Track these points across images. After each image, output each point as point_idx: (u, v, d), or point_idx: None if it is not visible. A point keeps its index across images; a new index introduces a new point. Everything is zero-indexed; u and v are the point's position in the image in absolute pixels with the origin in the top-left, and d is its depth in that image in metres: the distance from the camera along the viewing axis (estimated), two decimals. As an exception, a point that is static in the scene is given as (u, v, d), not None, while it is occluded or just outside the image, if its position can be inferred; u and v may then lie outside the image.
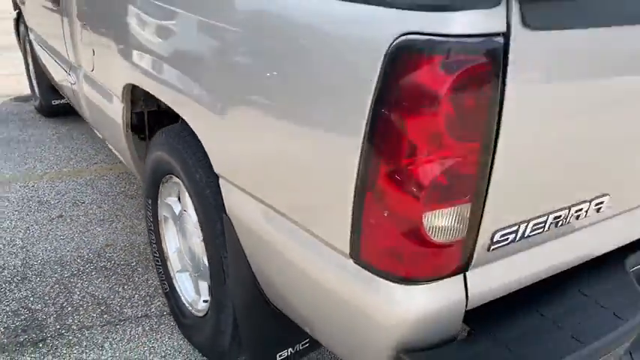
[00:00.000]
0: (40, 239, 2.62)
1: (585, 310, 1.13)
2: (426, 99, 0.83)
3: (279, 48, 1.12)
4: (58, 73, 3.11)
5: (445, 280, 0.99)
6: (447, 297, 1.00)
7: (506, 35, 0.83)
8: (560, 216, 1.07)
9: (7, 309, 2.15)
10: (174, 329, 2.06)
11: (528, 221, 1.02)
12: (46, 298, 2.22)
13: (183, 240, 1.94)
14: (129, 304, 2.20)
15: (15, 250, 2.53)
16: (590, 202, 1.11)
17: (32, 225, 2.75)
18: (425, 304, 0.98)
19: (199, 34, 1.41)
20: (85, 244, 2.59)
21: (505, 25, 0.82)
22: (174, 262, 2.03)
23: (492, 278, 1.04)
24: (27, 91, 4.56)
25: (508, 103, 0.86)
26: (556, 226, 1.07)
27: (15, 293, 2.25)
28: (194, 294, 1.93)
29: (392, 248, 0.95)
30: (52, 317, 2.12)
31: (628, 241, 1.27)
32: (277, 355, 1.56)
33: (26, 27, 3.91)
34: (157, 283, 2.30)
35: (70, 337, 2.02)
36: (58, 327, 2.07)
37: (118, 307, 2.18)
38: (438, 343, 1.02)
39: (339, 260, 1.06)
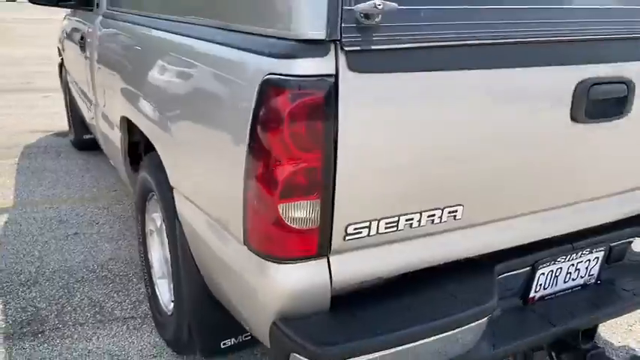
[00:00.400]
0: (55, 251, 3.01)
1: (440, 300, 1.39)
2: (278, 120, 1.15)
3: (195, 90, 1.52)
4: (85, 110, 3.59)
5: (311, 261, 1.28)
6: (313, 275, 1.28)
7: (336, 76, 1.14)
8: (412, 219, 1.34)
9: (17, 306, 2.52)
10: (154, 329, 2.37)
11: (380, 220, 1.30)
12: (51, 299, 2.58)
13: (162, 250, 2.27)
14: (119, 307, 2.53)
15: (32, 260, 2.92)
16: (442, 209, 1.38)
17: (50, 240, 3.15)
18: (295, 280, 1.27)
19: (157, 80, 1.81)
20: (92, 257, 2.96)
21: (334, 69, 1.14)
22: (156, 270, 2.35)
23: (353, 264, 1.32)
24: (66, 128, 5.10)
25: (343, 125, 1.17)
26: (410, 227, 1.35)
27: (26, 294, 2.61)
28: (168, 296, 2.25)
29: (264, 233, 1.26)
30: (52, 314, 2.46)
31: (491, 250, 1.53)
32: (221, 344, 1.85)
33: (66, 71, 4.46)
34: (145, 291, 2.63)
35: (65, 331, 2.35)
36: (57, 322, 2.41)
37: (109, 309, 2.51)
38: (309, 315, 1.30)
39: (239, 247, 1.36)
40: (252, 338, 1.88)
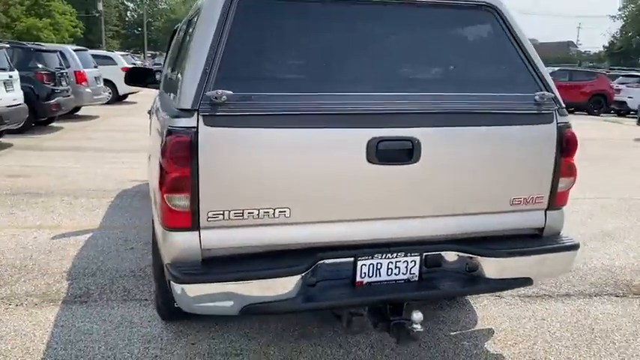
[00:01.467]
0: (113, 258, 4.22)
1: (270, 264, 2.30)
2: (166, 149, 2.20)
3: (154, 132, 2.64)
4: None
5: (188, 232, 2.26)
6: (190, 240, 2.26)
7: (197, 127, 2.18)
8: (252, 213, 2.29)
9: (76, 286, 3.70)
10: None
11: (230, 211, 2.26)
12: (99, 285, 3.74)
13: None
14: (141, 294, 3.63)
15: (96, 262, 4.14)
16: (274, 209, 2.31)
17: (113, 250, 4.38)
18: (179, 241, 2.26)
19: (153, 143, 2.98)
20: (137, 264, 4.12)
21: (196, 124, 2.18)
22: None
23: (214, 236, 2.27)
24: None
25: (201, 154, 2.18)
26: (252, 218, 2.29)
27: (84, 280, 3.80)
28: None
29: (163, 214, 2.28)
30: (96, 293, 3.61)
31: (315, 241, 2.39)
32: (174, 304, 2.84)
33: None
34: (160, 284, 3.70)
35: (100, 302, 3.48)
36: (97, 298, 3.55)
37: (134, 294, 3.61)
38: (186, 263, 2.28)
39: (158, 224, 2.40)
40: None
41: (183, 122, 2.19)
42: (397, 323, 2.46)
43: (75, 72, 12.71)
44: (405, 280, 2.54)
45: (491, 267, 2.58)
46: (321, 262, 2.40)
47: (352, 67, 2.53)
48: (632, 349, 3.10)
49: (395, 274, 2.53)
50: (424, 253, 2.54)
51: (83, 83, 12.91)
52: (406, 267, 2.53)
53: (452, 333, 3.19)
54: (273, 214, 2.33)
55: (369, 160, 2.36)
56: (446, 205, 2.55)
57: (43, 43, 15.25)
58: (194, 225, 2.27)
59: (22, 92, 9.46)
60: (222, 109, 2.20)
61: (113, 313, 3.35)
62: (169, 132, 2.21)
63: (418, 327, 2.39)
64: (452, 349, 3.02)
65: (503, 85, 2.65)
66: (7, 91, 8.97)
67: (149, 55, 73.49)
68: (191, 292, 2.23)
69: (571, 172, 2.71)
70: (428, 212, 2.54)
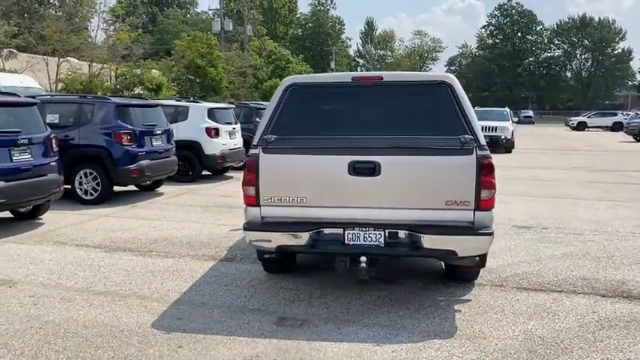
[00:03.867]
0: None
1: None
2: (245, 165, 4.45)
3: None
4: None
5: (256, 207, 4.45)
6: (256, 211, 4.45)
7: (258, 154, 4.38)
8: (287, 198, 4.36)
9: (229, 254, 6.15)
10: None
11: (274, 197, 4.38)
12: (243, 254, 6.12)
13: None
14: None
15: (245, 244, 6.58)
16: (297, 197, 4.36)
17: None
18: (253, 213, 4.47)
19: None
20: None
21: (258, 151, 4.39)
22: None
23: (267, 210, 4.41)
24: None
25: (260, 167, 4.37)
26: (286, 201, 4.37)
27: (235, 251, 6.24)
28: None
29: (245, 197, 4.50)
30: (238, 257, 5.99)
31: (321, 218, 4.35)
32: (267, 259, 5.02)
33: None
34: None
35: (239, 262, 5.84)
36: (238, 260, 5.92)
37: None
38: (254, 225, 4.46)
39: (245, 206, 4.66)
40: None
41: (253, 151, 4.42)
42: (364, 271, 4.27)
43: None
44: (375, 245, 4.34)
45: (427, 240, 4.23)
46: (323, 229, 4.36)
47: (344, 122, 4.51)
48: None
49: (368, 241, 4.34)
50: (386, 230, 4.31)
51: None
52: (375, 237, 4.33)
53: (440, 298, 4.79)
54: (297, 200, 4.39)
55: (350, 173, 4.28)
56: (398, 202, 4.31)
57: (263, 102, 19.33)
58: (257, 203, 4.45)
59: (242, 139, 12.89)
60: (270, 144, 4.38)
61: (243, 267, 5.66)
62: (248, 156, 4.46)
63: (364, 265, 4.19)
64: (430, 303, 4.64)
65: (442, 132, 4.32)
66: (230, 138, 12.44)
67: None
68: (250, 236, 4.40)
69: (489, 186, 4.24)
70: (387, 205, 4.33)
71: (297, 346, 3.81)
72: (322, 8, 79.21)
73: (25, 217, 7.77)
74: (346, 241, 4.37)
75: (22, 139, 6.80)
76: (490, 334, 4.05)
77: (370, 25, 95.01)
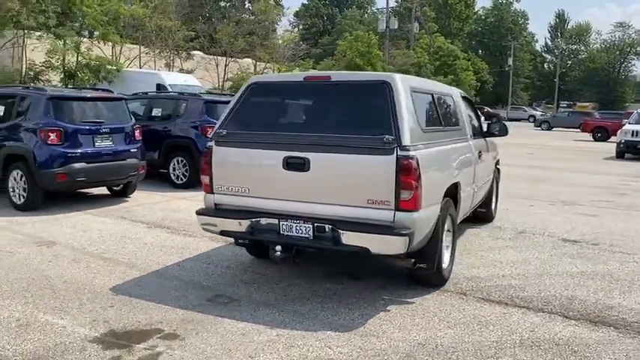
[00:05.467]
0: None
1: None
2: (202, 156, 4.97)
3: None
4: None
5: (211, 194, 4.93)
6: (211, 199, 4.95)
7: (212, 146, 4.86)
8: (233, 188, 4.78)
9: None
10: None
11: (224, 186, 4.82)
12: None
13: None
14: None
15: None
16: (241, 187, 4.75)
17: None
18: (208, 200, 4.97)
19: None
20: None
21: (213, 144, 4.87)
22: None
23: (219, 197, 4.87)
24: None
25: (213, 158, 4.85)
26: (233, 190, 4.79)
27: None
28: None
29: (203, 186, 5.02)
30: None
31: (260, 207, 4.68)
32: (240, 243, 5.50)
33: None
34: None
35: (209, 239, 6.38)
36: (207, 240, 6.47)
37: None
38: (206, 210, 4.96)
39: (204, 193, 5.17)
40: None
41: (209, 143, 4.92)
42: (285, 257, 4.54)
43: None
44: (305, 237, 4.56)
45: (345, 237, 4.34)
46: (260, 219, 4.70)
47: (290, 119, 4.77)
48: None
49: (299, 232, 4.57)
50: (315, 224, 4.51)
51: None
52: (305, 230, 4.55)
53: (385, 297, 4.83)
54: (242, 190, 4.79)
55: (284, 168, 4.56)
56: (325, 197, 4.47)
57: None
58: (211, 191, 4.94)
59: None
60: (222, 138, 4.83)
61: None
62: (205, 148, 4.97)
63: (278, 254, 4.45)
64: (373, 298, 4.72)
65: (370, 131, 4.37)
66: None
67: (564, 104, 73.73)
68: (200, 220, 4.91)
69: (408, 187, 4.20)
70: (316, 200, 4.51)
71: (203, 319, 4.24)
72: (505, 1, 75.34)
73: (119, 194, 9.18)
74: (281, 232, 4.65)
75: (104, 128, 8.12)
76: (389, 335, 4.05)
77: (561, 18, 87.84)
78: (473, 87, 50.10)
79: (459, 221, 5.97)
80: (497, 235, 7.15)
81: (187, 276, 5.27)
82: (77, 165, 7.77)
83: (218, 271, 5.42)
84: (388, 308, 4.57)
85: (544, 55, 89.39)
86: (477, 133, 6.88)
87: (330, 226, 4.43)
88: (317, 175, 4.48)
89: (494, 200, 7.91)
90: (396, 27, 45.41)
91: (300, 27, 77.53)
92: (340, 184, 4.44)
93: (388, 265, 5.59)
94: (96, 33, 21.86)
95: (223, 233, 4.89)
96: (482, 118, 23.97)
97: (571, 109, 52.32)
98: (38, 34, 20.38)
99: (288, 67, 30.72)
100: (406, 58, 43.86)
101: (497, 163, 8.07)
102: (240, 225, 4.73)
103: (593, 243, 6.82)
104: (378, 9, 67.30)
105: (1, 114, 8.23)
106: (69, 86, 19.27)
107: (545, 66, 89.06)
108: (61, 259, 5.66)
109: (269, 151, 4.66)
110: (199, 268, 5.49)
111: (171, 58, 27.47)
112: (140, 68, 25.31)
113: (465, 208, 5.94)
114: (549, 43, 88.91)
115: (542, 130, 40.19)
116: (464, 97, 6.67)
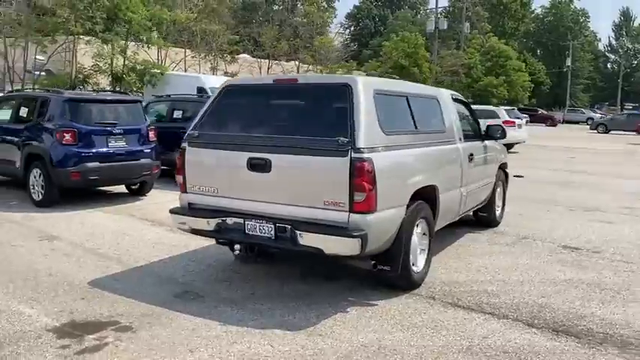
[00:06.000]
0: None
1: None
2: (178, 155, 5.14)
3: None
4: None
5: (185, 193, 5.09)
6: (185, 198, 5.10)
7: (185, 147, 5.03)
8: (203, 188, 4.92)
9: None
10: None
11: (196, 185, 4.97)
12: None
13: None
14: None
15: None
16: (212, 187, 4.89)
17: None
18: (183, 199, 5.13)
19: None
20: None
21: (186, 145, 5.03)
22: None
23: (192, 196, 5.02)
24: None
25: (186, 158, 5.01)
26: (203, 190, 4.93)
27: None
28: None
29: (179, 185, 5.19)
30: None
31: (226, 207, 4.79)
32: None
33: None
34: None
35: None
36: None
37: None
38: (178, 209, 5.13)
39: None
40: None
41: (183, 144, 5.08)
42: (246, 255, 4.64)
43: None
44: (267, 237, 4.65)
45: (301, 237, 4.40)
46: (227, 218, 4.81)
47: (258, 121, 4.86)
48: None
49: (263, 232, 4.66)
50: (277, 224, 4.59)
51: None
52: (268, 230, 4.63)
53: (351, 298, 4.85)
54: (211, 189, 4.93)
55: (248, 168, 4.67)
56: (285, 198, 4.55)
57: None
58: (185, 190, 5.10)
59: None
60: (194, 139, 4.99)
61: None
62: (180, 148, 5.14)
63: (237, 252, 4.56)
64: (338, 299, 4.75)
65: (328, 133, 4.40)
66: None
67: (629, 107, 70.23)
68: (173, 219, 5.08)
69: (361, 189, 4.22)
70: (278, 201, 4.59)
71: (163, 313, 4.40)
72: (564, 0, 72.75)
73: (136, 192, 9.55)
74: (246, 231, 4.75)
75: (118, 129, 8.48)
76: (337, 335, 4.08)
77: (626, 16, 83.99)
78: (526, 88, 48.60)
79: (443, 224, 5.92)
80: (497, 240, 7.00)
81: (167, 272, 5.45)
82: (90, 164, 8.14)
83: (198, 269, 5.58)
84: (349, 309, 4.58)
85: (607, 54, 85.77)
86: (473, 135, 6.77)
87: (289, 227, 4.50)
88: (278, 176, 4.56)
89: (498, 204, 7.74)
90: (445, 27, 44.74)
91: (352, 29, 77.79)
92: (299, 186, 4.51)
93: (366, 268, 5.62)
94: (141, 37, 22.63)
95: (194, 232, 5.03)
96: (524, 121, 23.37)
97: (635, 112, 50.02)
98: (87, 39, 21.36)
99: (330, 69, 30.84)
100: (455, 58, 43.09)
101: (503, 166, 7.88)
102: (209, 224, 4.86)
103: (595, 251, 6.57)
104: (430, 9, 66.37)
105: (25, 115, 8.75)
106: (105, 90, 19.90)
107: (609, 66, 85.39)
108: (55, 253, 5.98)
109: (235, 152, 4.77)
110: (181, 265, 5.67)
111: (216, 61, 28.13)
112: (185, 71, 26.06)
113: (450, 211, 5.86)
114: (613, 42, 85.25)
115: (599, 132, 38.63)
116: (457, 100, 6.58)
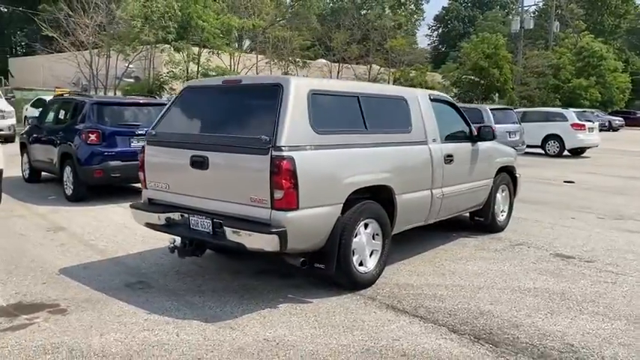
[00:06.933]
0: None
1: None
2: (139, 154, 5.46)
3: None
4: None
5: (146, 190, 5.41)
6: (146, 194, 5.42)
7: (144, 145, 5.34)
8: (156, 184, 5.20)
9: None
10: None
11: (152, 182, 5.26)
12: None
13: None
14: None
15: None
16: (163, 183, 5.15)
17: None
18: (144, 195, 5.46)
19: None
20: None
21: (145, 144, 5.34)
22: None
23: (150, 192, 5.32)
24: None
25: (145, 157, 5.32)
26: (157, 186, 5.21)
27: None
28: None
29: (141, 182, 5.50)
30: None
31: (175, 202, 5.03)
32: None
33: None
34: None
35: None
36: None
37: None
38: (137, 204, 5.44)
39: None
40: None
41: (143, 143, 5.40)
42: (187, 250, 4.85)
43: (487, 127, 15.58)
44: (207, 232, 4.83)
45: (228, 233, 4.54)
46: (174, 213, 5.06)
47: (204, 120, 5.06)
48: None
49: (203, 228, 4.85)
50: (214, 220, 4.76)
51: (492, 136, 15.57)
52: (207, 225, 4.81)
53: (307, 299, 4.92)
54: (164, 186, 5.20)
55: (191, 166, 4.89)
56: (221, 195, 4.71)
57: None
58: (145, 186, 5.41)
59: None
60: (151, 138, 5.29)
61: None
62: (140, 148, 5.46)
63: (171, 246, 4.76)
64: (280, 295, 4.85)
65: (256, 131, 4.50)
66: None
67: None
68: (131, 213, 5.40)
69: (280, 186, 4.29)
70: (215, 197, 4.77)
71: (102, 299, 4.70)
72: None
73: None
74: (191, 226, 4.97)
75: (140, 130, 9.03)
76: (247, 329, 4.17)
77: None
78: (624, 90, 45.31)
79: (408, 227, 5.82)
80: (487, 245, 6.73)
81: (135, 263, 5.78)
82: (113, 163, 8.75)
83: (166, 262, 5.86)
84: (279, 306, 4.65)
85: None
86: (460, 137, 6.59)
87: (221, 222, 4.66)
88: (214, 172, 4.74)
89: (503, 209, 7.42)
90: (531, 27, 42.75)
91: (439, 31, 76.35)
92: (231, 182, 4.66)
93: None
94: (211, 44, 23.69)
95: (148, 226, 5.32)
96: (596, 124, 21.86)
97: None
98: (162, 47, 22.72)
99: (402, 72, 30.56)
100: (543, 59, 41.09)
101: (509, 169, 7.54)
102: (159, 219, 5.13)
103: (589, 260, 6.15)
104: (525, 7, 63.57)
105: (63, 118, 9.56)
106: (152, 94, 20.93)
107: None
108: (52, 243, 6.52)
109: (182, 149, 5.00)
110: (153, 257, 5.99)
111: (287, 66, 28.79)
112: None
113: (416, 213, 5.74)
114: None
115: None
116: (438, 100, 6.41)
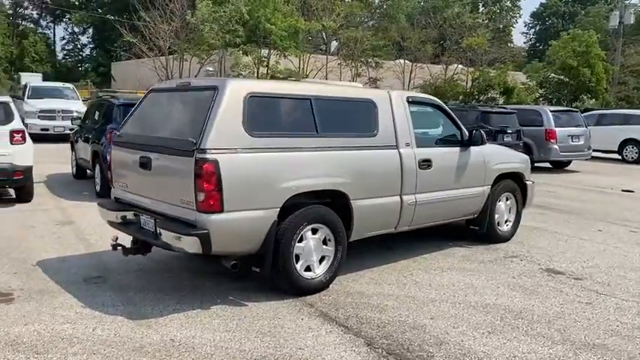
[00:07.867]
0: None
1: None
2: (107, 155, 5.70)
3: None
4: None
5: (113, 188, 5.64)
6: (113, 191, 5.64)
7: (111, 146, 5.56)
8: (120, 183, 5.40)
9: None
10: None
11: (117, 182, 5.47)
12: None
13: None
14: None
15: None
16: (123, 182, 5.34)
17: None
18: (111, 193, 5.69)
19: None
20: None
21: (113, 145, 5.56)
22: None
23: (117, 192, 5.54)
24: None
25: (112, 157, 5.54)
26: (119, 185, 5.41)
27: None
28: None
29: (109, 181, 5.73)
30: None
31: (131, 202, 5.19)
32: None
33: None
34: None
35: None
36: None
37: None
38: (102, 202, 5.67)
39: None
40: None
41: (111, 144, 5.63)
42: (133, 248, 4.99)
43: (546, 130, 14.67)
44: (152, 232, 4.95)
45: (161, 234, 4.63)
46: (128, 212, 5.22)
47: (157, 122, 5.18)
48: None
49: (150, 227, 4.98)
50: (156, 219, 4.87)
51: (552, 140, 14.62)
52: (152, 225, 4.94)
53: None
54: (124, 185, 5.39)
55: (140, 166, 5.04)
56: (159, 195, 4.81)
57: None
58: (112, 185, 5.63)
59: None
60: (118, 139, 5.50)
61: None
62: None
63: (113, 243, 4.92)
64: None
65: (188, 133, 4.54)
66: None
67: None
68: (99, 212, 5.63)
69: (201, 189, 4.31)
70: (156, 198, 4.87)
71: (54, 290, 4.94)
72: None
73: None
74: (142, 225, 5.12)
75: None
76: (160, 329, 4.22)
77: None
78: None
79: (372, 233, 5.63)
80: (475, 257, 6.34)
81: (108, 259, 5.99)
82: (134, 161, 9.16)
83: (138, 259, 6.00)
84: (212, 307, 4.66)
85: None
86: (441, 141, 6.29)
87: (158, 223, 4.76)
88: (156, 173, 4.85)
89: (504, 219, 6.96)
90: (631, 22, 39.52)
91: (537, 28, 72.70)
92: (167, 184, 4.75)
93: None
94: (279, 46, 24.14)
95: (109, 223, 5.52)
96: None
97: None
98: (231, 50, 23.49)
99: (481, 72, 29.43)
100: (643, 57, 37.90)
101: (518, 176, 7.05)
102: (117, 217, 5.32)
103: (578, 277, 5.64)
104: (621, 2, 59.06)
105: (97, 118, 10.16)
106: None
107: None
108: (51, 236, 6.95)
109: (135, 150, 5.15)
110: (131, 255, 6.20)
111: (357, 66, 28.64)
112: (326, 79, 27.07)
113: (379, 219, 5.52)
114: None
115: None
116: (417, 102, 6.11)
